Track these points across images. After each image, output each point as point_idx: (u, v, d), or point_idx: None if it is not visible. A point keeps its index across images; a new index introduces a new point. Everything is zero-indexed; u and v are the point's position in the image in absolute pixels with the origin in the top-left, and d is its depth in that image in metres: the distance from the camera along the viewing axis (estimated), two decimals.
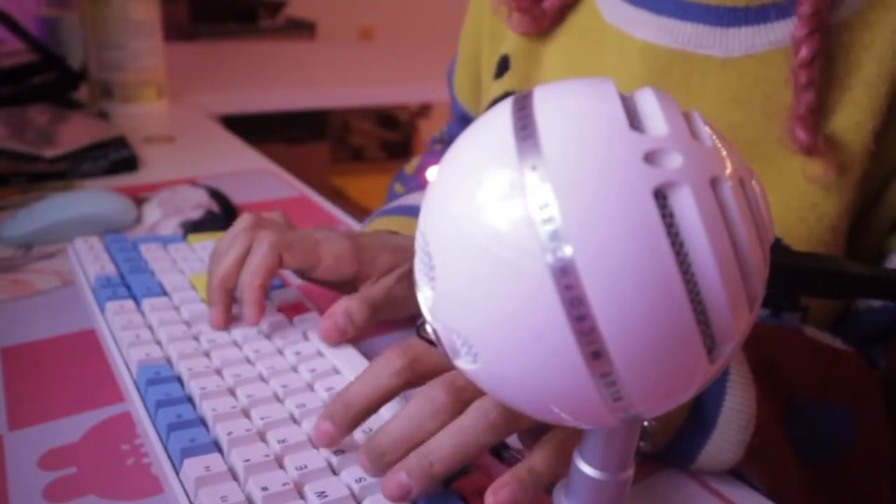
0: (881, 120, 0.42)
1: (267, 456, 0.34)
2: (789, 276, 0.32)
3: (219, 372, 0.40)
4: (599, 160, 0.19)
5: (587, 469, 0.26)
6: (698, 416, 0.37)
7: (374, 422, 0.35)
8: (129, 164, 0.83)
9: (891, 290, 0.32)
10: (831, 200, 0.43)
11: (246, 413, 0.37)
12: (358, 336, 0.44)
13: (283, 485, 0.32)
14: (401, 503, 0.31)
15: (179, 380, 0.40)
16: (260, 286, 0.43)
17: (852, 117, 0.42)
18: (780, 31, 0.45)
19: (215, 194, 0.73)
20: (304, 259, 0.44)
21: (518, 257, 0.19)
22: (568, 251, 0.19)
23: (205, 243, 0.56)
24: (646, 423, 0.34)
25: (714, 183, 0.19)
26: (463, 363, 0.22)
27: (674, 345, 0.19)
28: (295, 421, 0.37)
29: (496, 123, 0.21)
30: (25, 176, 0.75)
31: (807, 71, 0.42)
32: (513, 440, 0.36)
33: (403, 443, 0.31)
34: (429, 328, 0.23)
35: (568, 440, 0.31)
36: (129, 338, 0.43)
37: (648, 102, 0.21)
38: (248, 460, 0.33)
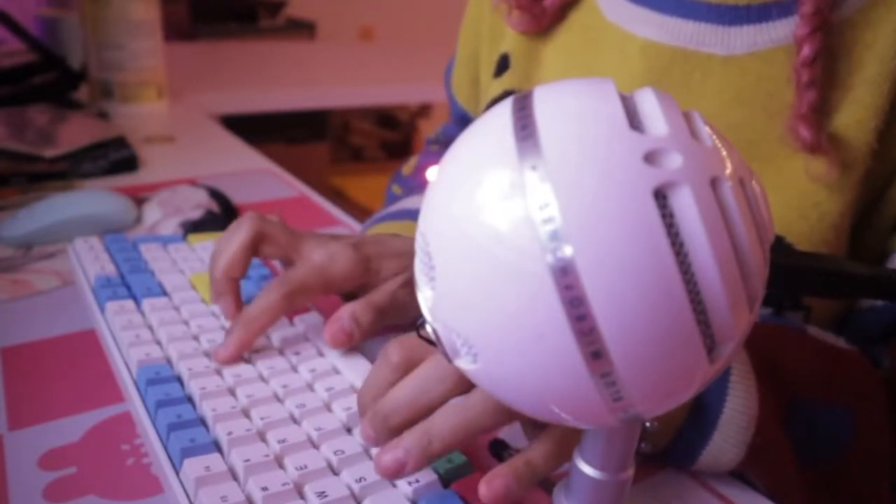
0: (883, 118, 0.42)
1: (267, 456, 0.34)
2: (790, 275, 0.32)
3: (219, 372, 0.40)
4: (599, 160, 0.19)
5: (587, 469, 0.26)
6: (699, 416, 0.37)
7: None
8: (129, 164, 0.83)
9: (891, 291, 0.32)
10: (833, 199, 0.43)
11: (246, 413, 0.37)
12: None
13: (283, 485, 0.32)
14: (395, 478, 0.31)
15: (179, 380, 0.40)
16: (258, 331, 0.42)
17: (855, 116, 0.42)
18: (782, 30, 0.45)
19: (215, 194, 0.73)
20: (315, 297, 0.44)
21: (518, 257, 0.19)
22: (568, 251, 0.19)
23: (205, 243, 0.56)
24: (647, 424, 0.34)
25: (714, 183, 0.19)
26: (463, 363, 0.22)
27: (674, 345, 0.19)
28: (295, 421, 0.37)
29: (496, 123, 0.21)
30: (25, 176, 0.75)
31: (809, 70, 0.42)
32: (513, 440, 0.36)
33: (407, 406, 0.31)
34: (429, 328, 0.23)
35: (568, 435, 0.31)
36: (129, 338, 0.43)
37: (648, 102, 0.21)
38: (248, 460, 0.33)
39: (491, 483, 0.29)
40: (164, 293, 0.48)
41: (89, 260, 0.52)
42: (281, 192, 0.81)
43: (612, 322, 0.19)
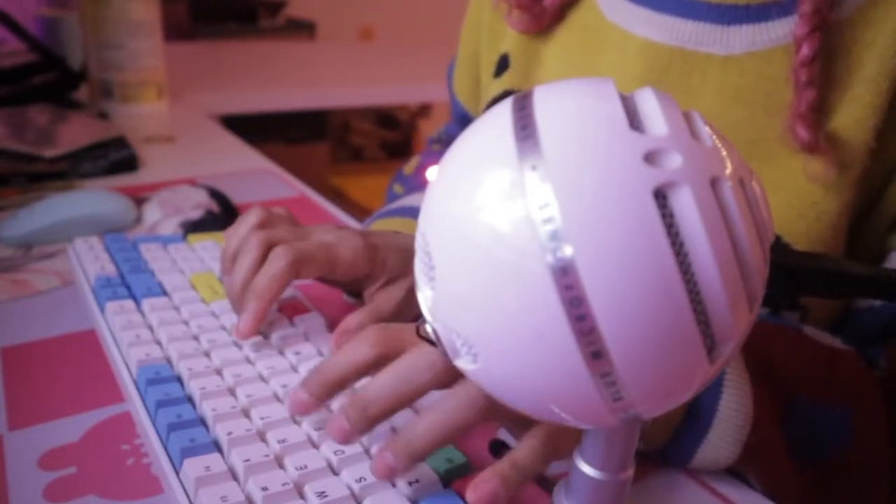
0: (882, 117, 0.42)
1: (267, 456, 0.34)
2: (789, 275, 0.32)
3: (219, 372, 0.40)
4: (599, 160, 0.19)
5: (587, 469, 0.26)
6: (694, 415, 0.37)
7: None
8: (129, 164, 0.83)
9: (891, 291, 0.32)
10: (831, 198, 0.43)
11: (246, 413, 0.37)
12: None
13: (283, 485, 0.32)
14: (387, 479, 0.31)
15: (179, 380, 0.40)
16: (270, 300, 0.42)
17: (853, 115, 0.42)
18: (782, 29, 0.45)
19: (215, 194, 0.73)
20: (320, 270, 0.43)
21: (518, 257, 0.19)
22: (568, 251, 0.19)
23: (205, 243, 0.56)
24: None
25: (714, 183, 0.19)
26: (463, 363, 0.22)
27: (674, 345, 0.19)
28: (295, 421, 0.37)
29: (496, 123, 0.21)
30: (25, 176, 0.75)
31: (807, 69, 0.42)
32: (513, 440, 0.36)
33: (387, 397, 0.31)
34: (429, 328, 0.23)
35: (554, 433, 0.30)
36: (129, 338, 0.43)
37: (648, 102, 0.21)
38: (248, 460, 0.33)
39: (478, 488, 0.29)
40: (164, 293, 0.48)
41: (89, 260, 0.52)
42: (281, 192, 0.81)
43: (612, 322, 0.19)
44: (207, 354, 0.42)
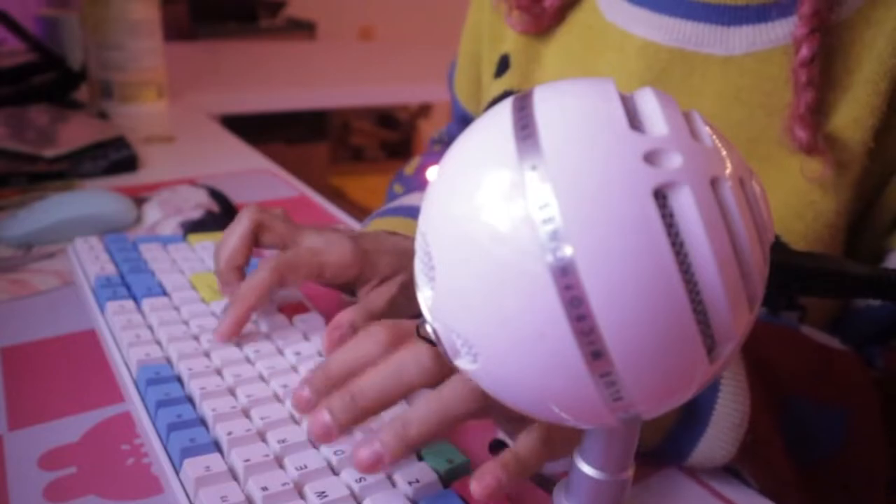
0: (881, 118, 0.42)
1: (267, 456, 0.34)
2: (789, 276, 0.32)
3: (219, 372, 0.40)
4: (599, 160, 0.19)
5: (587, 469, 0.26)
6: (691, 413, 0.37)
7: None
8: (129, 164, 0.83)
9: (891, 291, 0.32)
10: (829, 198, 0.43)
11: (246, 413, 0.37)
12: None
13: (283, 485, 0.32)
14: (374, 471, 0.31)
15: (179, 380, 0.40)
16: (250, 307, 0.42)
17: (852, 115, 0.42)
18: (781, 30, 0.45)
19: (215, 194, 0.73)
20: (307, 275, 0.44)
21: (518, 257, 0.19)
22: (568, 251, 0.19)
23: (205, 243, 0.56)
24: None
25: (714, 183, 0.19)
26: (463, 363, 0.22)
27: (674, 345, 0.19)
28: (295, 421, 0.37)
29: (496, 123, 0.21)
30: (25, 176, 0.75)
31: (807, 70, 0.42)
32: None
33: (378, 390, 0.31)
34: (429, 328, 0.23)
35: (552, 429, 0.30)
36: (129, 338, 0.43)
37: (648, 102, 0.21)
38: (248, 460, 0.33)
39: (482, 479, 0.29)
40: (164, 293, 0.48)
41: (89, 260, 0.52)
42: (281, 192, 0.81)
43: (612, 322, 0.19)
44: (207, 354, 0.42)
